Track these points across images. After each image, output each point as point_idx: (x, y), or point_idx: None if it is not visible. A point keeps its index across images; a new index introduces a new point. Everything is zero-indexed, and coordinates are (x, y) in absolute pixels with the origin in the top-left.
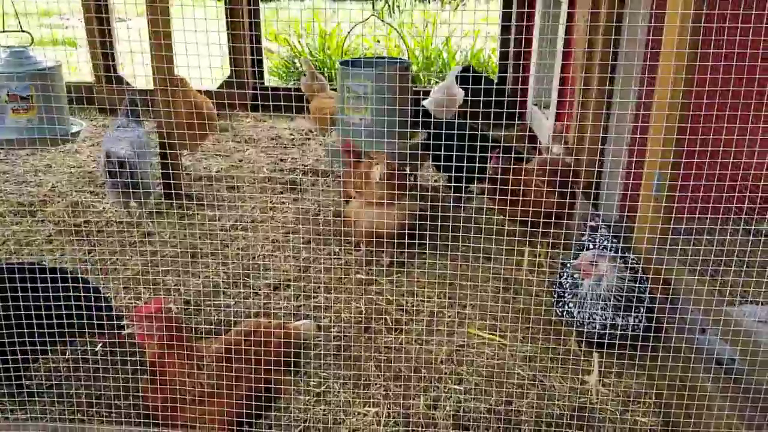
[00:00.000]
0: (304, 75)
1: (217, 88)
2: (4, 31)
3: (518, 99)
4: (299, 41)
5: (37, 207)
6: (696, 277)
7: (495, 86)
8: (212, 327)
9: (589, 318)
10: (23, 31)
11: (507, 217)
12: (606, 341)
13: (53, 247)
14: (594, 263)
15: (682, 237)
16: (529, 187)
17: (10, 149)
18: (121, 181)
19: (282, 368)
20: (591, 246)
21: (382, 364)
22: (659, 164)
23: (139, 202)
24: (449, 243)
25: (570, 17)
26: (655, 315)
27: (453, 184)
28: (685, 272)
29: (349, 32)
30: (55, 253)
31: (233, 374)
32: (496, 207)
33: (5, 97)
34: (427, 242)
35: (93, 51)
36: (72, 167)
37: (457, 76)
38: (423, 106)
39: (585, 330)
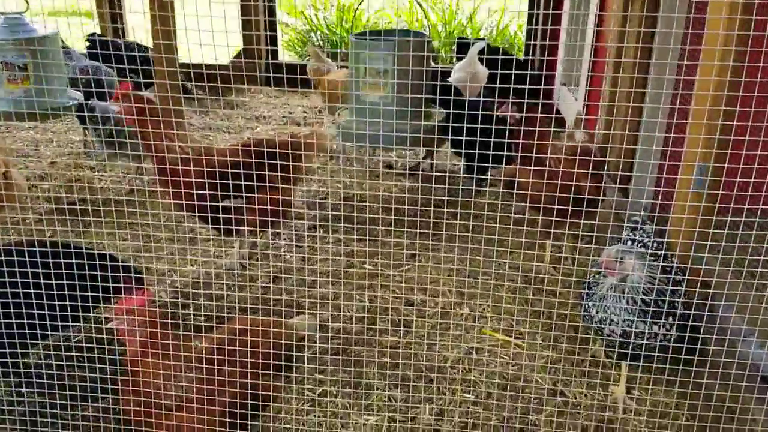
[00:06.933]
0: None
1: (229, 61)
2: None
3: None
4: (316, 15)
5: (34, 182)
6: (739, 280)
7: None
8: (203, 314)
9: (607, 322)
10: None
11: (529, 195)
12: (628, 351)
13: (45, 228)
14: (619, 260)
15: (726, 231)
16: (559, 165)
17: (8, 121)
18: (101, 129)
19: (273, 371)
20: (630, 243)
21: (383, 365)
22: (701, 154)
23: (126, 156)
24: (458, 232)
25: None
26: (689, 324)
27: (474, 163)
28: (726, 274)
29: (361, 1)
30: (47, 232)
31: (219, 378)
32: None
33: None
34: (425, 230)
35: (100, 12)
36: (74, 142)
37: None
38: (449, 81)
39: (603, 336)
